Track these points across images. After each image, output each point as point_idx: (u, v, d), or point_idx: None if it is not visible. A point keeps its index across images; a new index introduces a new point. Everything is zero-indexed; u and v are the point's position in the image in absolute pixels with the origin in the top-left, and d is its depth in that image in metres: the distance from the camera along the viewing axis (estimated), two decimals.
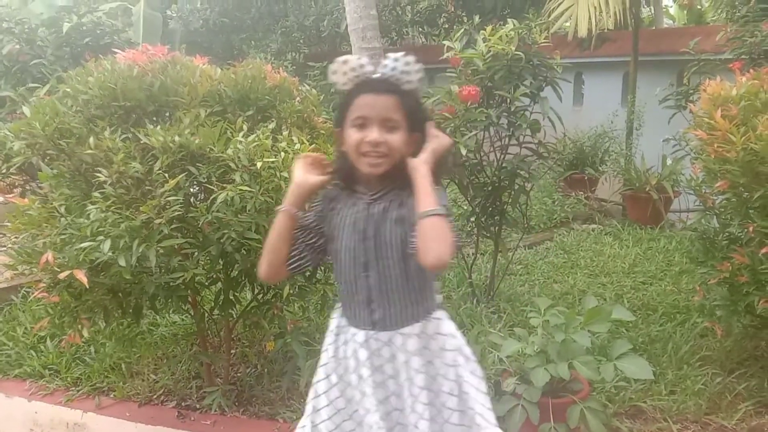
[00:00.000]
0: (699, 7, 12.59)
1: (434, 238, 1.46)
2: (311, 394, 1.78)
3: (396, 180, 1.60)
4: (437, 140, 1.61)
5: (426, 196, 1.50)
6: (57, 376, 3.29)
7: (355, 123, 1.56)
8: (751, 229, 2.68)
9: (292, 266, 1.70)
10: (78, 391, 3.16)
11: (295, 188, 1.65)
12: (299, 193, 1.65)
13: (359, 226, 1.62)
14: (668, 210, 5.95)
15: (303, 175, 1.65)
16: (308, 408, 1.77)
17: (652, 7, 11.08)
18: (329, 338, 1.77)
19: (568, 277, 4.50)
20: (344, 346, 1.72)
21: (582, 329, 2.55)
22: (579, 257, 4.96)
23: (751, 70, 3.04)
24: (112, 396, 3.12)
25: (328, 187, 1.71)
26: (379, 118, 1.54)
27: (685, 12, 13.56)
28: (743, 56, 5.03)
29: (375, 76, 1.58)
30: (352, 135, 1.56)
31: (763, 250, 2.54)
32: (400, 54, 1.55)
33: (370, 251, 1.61)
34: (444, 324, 1.71)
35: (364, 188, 1.65)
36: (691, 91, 5.61)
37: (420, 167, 1.53)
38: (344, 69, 1.58)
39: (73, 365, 3.36)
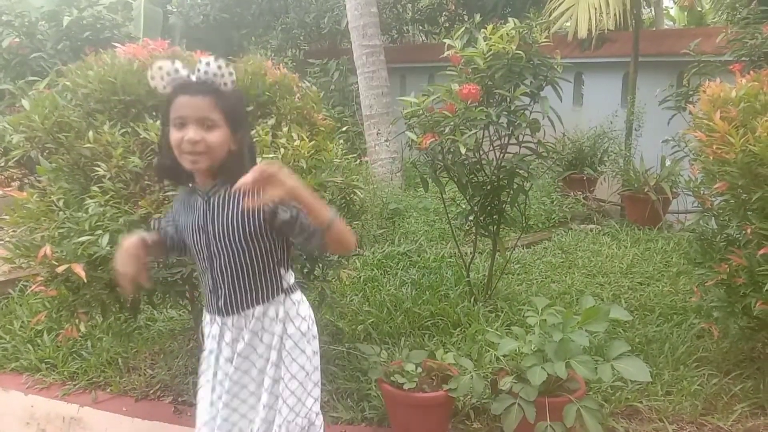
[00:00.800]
0: (699, 8, 12.59)
1: (344, 241, 1.69)
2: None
3: (226, 174, 1.69)
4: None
5: (316, 206, 1.61)
6: (54, 370, 3.29)
7: (174, 123, 1.64)
8: (749, 230, 2.68)
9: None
10: (74, 385, 3.16)
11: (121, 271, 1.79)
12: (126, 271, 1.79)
13: (200, 222, 1.75)
14: (666, 211, 5.95)
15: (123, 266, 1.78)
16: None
17: (652, 8, 11.07)
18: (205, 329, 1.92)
19: (565, 276, 4.51)
20: (206, 329, 1.90)
21: (579, 329, 2.56)
22: (577, 257, 4.96)
23: (751, 72, 3.04)
24: (108, 390, 3.12)
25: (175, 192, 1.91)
26: (196, 118, 1.62)
27: (686, 13, 13.56)
28: (743, 58, 5.03)
29: (190, 78, 1.65)
30: (173, 134, 1.65)
31: (761, 252, 2.54)
32: (210, 58, 1.65)
33: (212, 245, 1.75)
34: (282, 307, 1.82)
35: (200, 185, 1.76)
36: (691, 93, 5.61)
37: (288, 180, 1.54)
38: (161, 74, 1.65)
39: (69, 359, 3.36)
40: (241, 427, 1.83)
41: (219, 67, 1.64)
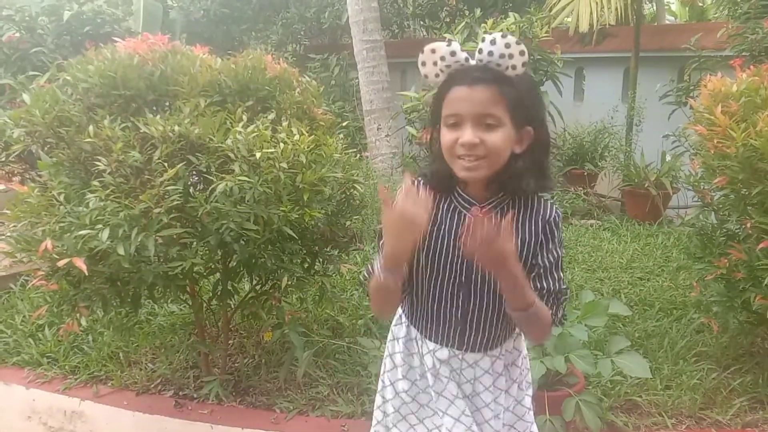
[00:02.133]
0: (701, 4, 12.56)
1: (532, 330, 1.44)
2: (378, 400, 1.71)
3: (506, 186, 1.41)
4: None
5: (517, 291, 1.34)
6: (55, 364, 3.30)
7: (447, 122, 1.36)
8: (748, 225, 2.69)
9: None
10: (76, 379, 3.17)
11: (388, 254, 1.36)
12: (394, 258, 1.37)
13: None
14: (667, 206, 5.96)
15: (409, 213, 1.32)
16: (377, 414, 1.72)
17: (653, 4, 11.04)
18: (397, 346, 1.64)
19: (566, 271, 4.51)
20: (418, 357, 1.60)
21: (579, 323, 2.57)
22: (577, 252, 4.97)
23: (752, 67, 3.04)
24: (109, 384, 3.13)
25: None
26: (474, 115, 1.32)
27: (687, 9, 13.53)
28: (744, 53, 5.02)
29: (469, 63, 1.35)
30: (445, 135, 1.37)
31: (760, 246, 2.54)
32: (497, 34, 1.30)
33: (471, 272, 1.44)
34: (520, 340, 1.62)
35: (468, 196, 1.45)
36: (692, 88, 5.61)
37: (509, 258, 1.28)
38: (433, 58, 1.36)
39: (71, 353, 3.37)
40: None
41: (507, 46, 1.29)
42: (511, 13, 3.51)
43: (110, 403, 2.99)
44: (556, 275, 1.43)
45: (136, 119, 2.47)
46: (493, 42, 1.29)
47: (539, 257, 1.42)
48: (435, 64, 1.37)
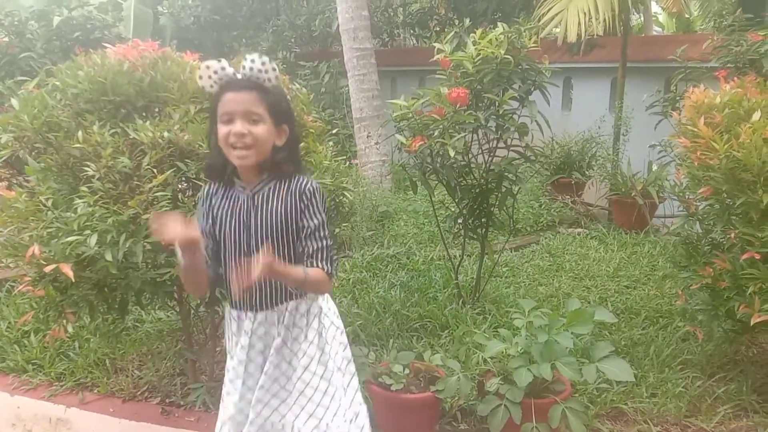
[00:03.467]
0: (687, 15, 12.72)
1: (314, 290, 1.83)
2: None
3: (272, 171, 1.78)
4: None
5: (288, 280, 1.74)
6: (40, 371, 3.28)
7: (222, 119, 1.70)
8: (732, 235, 2.72)
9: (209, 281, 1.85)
10: (61, 386, 3.15)
11: (182, 246, 1.67)
12: (186, 248, 1.68)
13: (242, 217, 1.79)
14: (653, 215, 6.00)
15: (181, 233, 1.65)
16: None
17: (641, 15, 11.18)
18: (231, 325, 1.93)
19: (553, 280, 4.54)
20: (234, 328, 1.90)
21: (565, 331, 2.59)
22: (564, 260, 5.00)
23: (735, 79, 3.08)
24: (95, 391, 3.11)
25: (205, 185, 1.89)
26: (243, 112, 1.68)
27: (674, 20, 13.70)
28: (729, 65, 5.08)
29: (236, 76, 1.73)
30: (221, 130, 1.70)
31: (744, 256, 2.58)
32: (255, 55, 1.71)
33: (252, 240, 1.78)
34: (315, 303, 1.89)
35: (244, 182, 1.80)
36: (678, 98, 5.66)
37: (272, 270, 1.61)
38: (208, 73, 1.73)
39: (56, 360, 3.35)
40: (272, 421, 1.85)
41: (263, 64, 1.71)
42: (499, 23, 3.53)
43: (96, 410, 2.97)
44: (321, 234, 1.79)
45: (126, 125, 2.47)
46: (253, 61, 1.71)
47: (305, 220, 1.78)
48: (210, 77, 1.73)
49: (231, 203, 1.82)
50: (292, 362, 1.85)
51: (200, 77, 1.74)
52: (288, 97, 1.90)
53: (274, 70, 1.72)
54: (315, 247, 1.78)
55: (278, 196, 1.77)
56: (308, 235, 1.78)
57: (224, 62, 1.73)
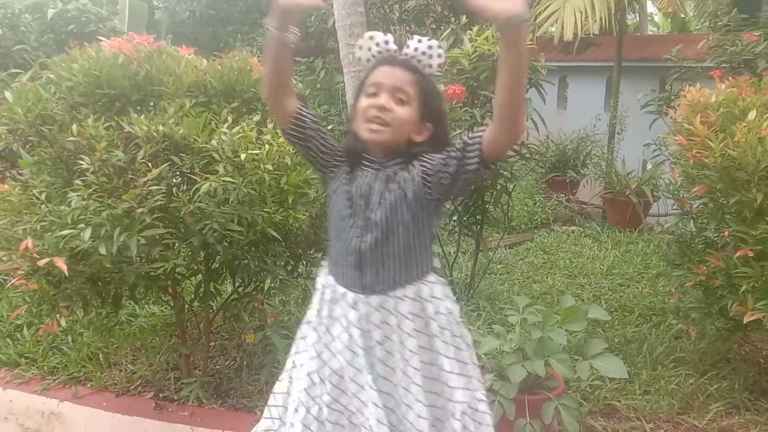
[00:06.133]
0: (683, 15, 12.75)
1: (509, 105, 1.43)
2: (293, 348, 1.80)
3: (402, 157, 1.60)
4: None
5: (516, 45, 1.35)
6: (33, 365, 3.26)
7: (368, 91, 1.57)
8: (726, 233, 2.73)
9: (300, 112, 1.66)
10: (54, 380, 3.14)
11: (279, 8, 1.51)
12: (284, 13, 1.52)
13: (363, 190, 1.61)
14: (647, 214, 6.03)
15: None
16: (288, 363, 1.80)
17: (637, 14, 11.19)
18: (316, 296, 1.75)
19: (547, 277, 4.55)
20: (331, 305, 1.70)
21: (559, 328, 2.59)
22: (558, 258, 5.01)
23: (731, 78, 3.09)
24: (89, 386, 3.10)
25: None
26: (391, 87, 1.54)
27: (670, 20, 13.72)
28: (724, 64, 5.11)
29: (397, 53, 1.59)
30: (363, 101, 1.57)
31: (738, 254, 2.59)
32: (425, 37, 1.57)
33: (372, 217, 1.59)
34: (438, 287, 1.69)
35: (370, 160, 1.63)
36: (673, 97, 5.69)
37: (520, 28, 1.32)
38: (369, 44, 1.60)
39: (49, 354, 3.33)
40: (396, 412, 1.64)
41: (429, 47, 1.58)
42: None
43: (89, 404, 2.96)
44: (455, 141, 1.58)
45: (120, 118, 2.46)
46: (420, 41, 1.57)
47: (437, 162, 1.55)
48: (369, 49, 1.61)
49: (353, 175, 1.64)
50: (411, 350, 1.63)
51: (360, 47, 1.62)
52: (441, 96, 1.73)
53: (439, 56, 1.59)
54: (465, 138, 1.54)
55: (410, 174, 1.58)
56: (452, 153, 1.53)
57: (390, 37, 1.60)
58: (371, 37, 1.61)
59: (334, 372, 1.68)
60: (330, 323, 1.70)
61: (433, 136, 1.61)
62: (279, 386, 1.83)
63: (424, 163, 1.58)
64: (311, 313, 1.76)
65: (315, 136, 1.67)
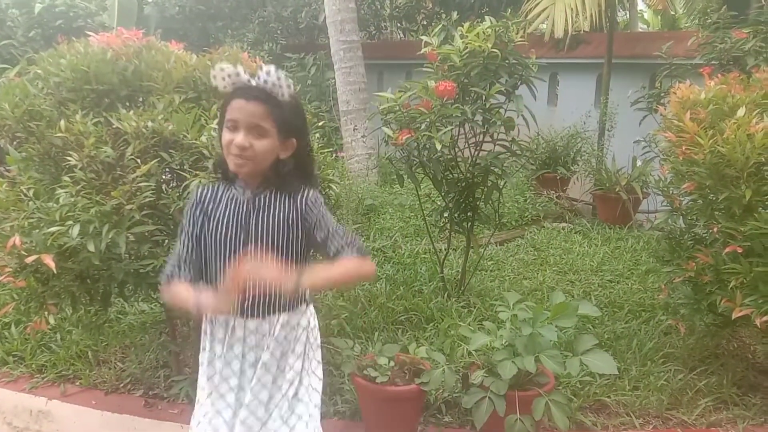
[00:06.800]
0: (673, 12, 12.81)
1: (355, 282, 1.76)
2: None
3: (274, 180, 1.72)
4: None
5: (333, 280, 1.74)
6: (21, 363, 3.24)
7: (227, 125, 1.66)
8: (715, 229, 2.75)
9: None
10: (43, 378, 3.12)
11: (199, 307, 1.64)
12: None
13: (240, 220, 1.72)
14: (637, 210, 6.05)
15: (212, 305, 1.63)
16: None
17: (627, 11, 11.24)
18: (207, 326, 1.84)
19: (537, 273, 4.56)
20: (221, 334, 1.81)
21: (549, 324, 2.60)
22: (549, 255, 5.02)
23: (720, 75, 3.11)
24: (78, 384, 3.08)
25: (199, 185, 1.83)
26: (248, 124, 1.63)
27: (660, 17, 13.78)
28: (713, 62, 5.13)
29: (250, 83, 1.67)
30: (225, 136, 1.66)
31: (726, 251, 2.61)
32: (272, 67, 1.66)
33: (251, 242, 1.71)
34: (305, 317, 1.84)
35: (244, 184, 1.74)
36: (663, 94, 5.71)
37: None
38: (222, 74, 1.68)
39: (38, 352, 3.31)
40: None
41: (279, 78, 1.65)
42: (487, 17, 3.53)
43: (78, 402, 2.95)
44: (341, 230, 1.76)
45: (109, 114, 2.44)
46: (268, 73, 1.65)
47: (318, 231, 1.73)
48: (223, 79, 1.68)
49: (228, 204, 1.75)
50: (277, 381, 1.79)
51: (213, 77, 1.69)
52: (303, 109, 1.82)
53: (289, 86, 1.67)
54: (339, 242, 1.73)
55: (281, 202, 1.72)
56: (333, 235, 1.74)
57: (240, 68, 1.68)
58: (222, 69, 1.68)
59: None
60: (222, 352, 1.82)
61: (298, 148, 1.74)
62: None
63: (308, 215, 1.73)
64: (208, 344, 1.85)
65: (189, 245, 1.77)
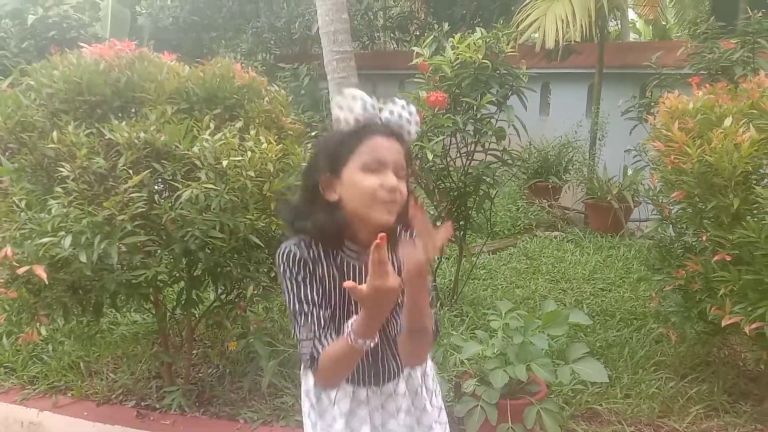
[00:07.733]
0: (664, 23, 12.92)
1: (417, 353, 1.47)
2: None
3: (392, 233, 1.41)
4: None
5: (421, 308, 1.34)
6: (12, 374, 3.23)
7: (369, 165, 1.35)
8: (704, 238, 2.77)
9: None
10: (34, 389, 3.10)
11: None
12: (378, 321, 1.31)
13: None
14: (628, 219, 6.09)
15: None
16: None
17: (618, 22, 11.33)
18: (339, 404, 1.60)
19: (530, 282, 4.58)
20: (346, 407, 1.59)
21: (540, 332, 2.61)
22: (541, 263, 5.04)
23: (708, 85, 3.14)
24: (69, 395, 3.07)
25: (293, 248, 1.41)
26: (395, 164, 1.37)
27: (651, 27, 13.90)
28: (702, 71, 5.18)
29: (382, 118, 1.43)
30: (367, 179, 1.34)
31: (716, 259, 2.63)
32: (403, 101, 1.44)
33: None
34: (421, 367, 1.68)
35: (360, 246, 1.42)
36: (653, 104, 5.75)
37: (423, 277, 1.29)
38: (353, 105, 1.40)
39: (29, 363, 3.30)
40: None
41: (410, 114, 1.44)
42: (478, 28, 3.57)
43: (70, 413, 2.93)
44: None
45: (101, 125, 2.45)
46: (402, 107, 1.42)
47: None
48: (352, 110, 1.39)
49: (341, 273, 1.43)
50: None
51: (340, 107, 1.41)
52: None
53: (417, 123, 1.45)
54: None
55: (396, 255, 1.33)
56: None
57: (375, 100, 1.43)
58: (355, 98, 1.40)
59: None
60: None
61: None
62: None
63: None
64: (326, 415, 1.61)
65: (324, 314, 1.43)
